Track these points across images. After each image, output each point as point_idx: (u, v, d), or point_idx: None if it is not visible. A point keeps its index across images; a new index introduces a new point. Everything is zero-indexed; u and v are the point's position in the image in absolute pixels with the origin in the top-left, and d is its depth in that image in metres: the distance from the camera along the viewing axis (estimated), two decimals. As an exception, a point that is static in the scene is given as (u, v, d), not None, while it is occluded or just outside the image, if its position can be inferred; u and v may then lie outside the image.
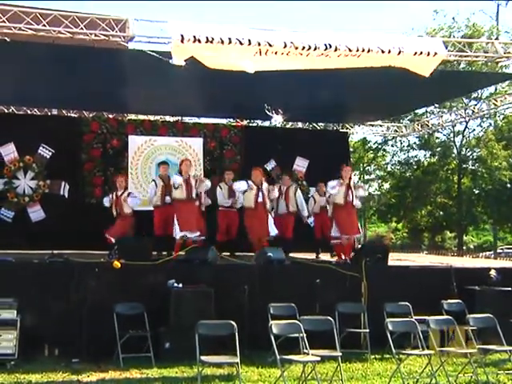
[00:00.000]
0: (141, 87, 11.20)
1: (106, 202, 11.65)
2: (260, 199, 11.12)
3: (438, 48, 8.73)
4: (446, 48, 9.37)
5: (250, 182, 11.24)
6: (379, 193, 38.41)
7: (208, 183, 11.37)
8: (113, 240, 10.88)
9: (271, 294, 9.08)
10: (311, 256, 12.59)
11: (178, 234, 10.74)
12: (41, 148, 13.54)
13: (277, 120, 11.52)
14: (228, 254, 11.23)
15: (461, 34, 30.02)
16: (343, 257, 11.28)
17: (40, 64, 9.93)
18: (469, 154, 32.59)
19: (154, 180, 11.89)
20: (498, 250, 36.09)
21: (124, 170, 13.84)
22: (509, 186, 30.91)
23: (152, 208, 11.61)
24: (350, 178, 11.33)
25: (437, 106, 26.41)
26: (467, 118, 16.90)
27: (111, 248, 9.93)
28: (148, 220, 11.44)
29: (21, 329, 8.02)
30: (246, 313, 8.73)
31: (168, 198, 11.21)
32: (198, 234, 10.80)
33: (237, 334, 7.18)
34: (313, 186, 13.91)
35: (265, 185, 11.33)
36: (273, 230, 11.21)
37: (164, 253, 10.66)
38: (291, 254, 11.39)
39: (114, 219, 11.51)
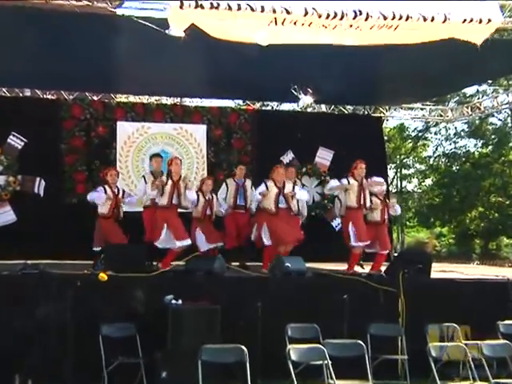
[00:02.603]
0: (132, 63, 11.19)
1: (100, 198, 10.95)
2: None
3: (492, 13, 8.65)
4: (503, 13, 9.31)
5: (268, 182, 11.06)
6: (420, 191, 38.34)
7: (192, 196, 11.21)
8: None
9: (289, 312, 9.09)
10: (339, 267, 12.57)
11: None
12: (11, 137, 13.57)
13: (306, 102, 11.42)
14: (237, 264, 11.25)
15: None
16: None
17: (8, 33, 9.85)
18: (531, 142, 32.48)
19: (143, 176, 11.77)
20: None
21: (112, 164, 13.88)
22: None
23: (141, 209, 11.58)
24: (363, 178, 11.32)
25: (490, 83, 26.35)
26: (528, 99, 16.81)
27: (96, 257, 9.96)
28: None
29: (-13, 355, 8.05)
30: (258, 335, 8.71)
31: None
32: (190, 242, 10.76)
33: (248, 360, 7.19)
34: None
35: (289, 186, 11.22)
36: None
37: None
38: (314, 265, 11.37)
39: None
